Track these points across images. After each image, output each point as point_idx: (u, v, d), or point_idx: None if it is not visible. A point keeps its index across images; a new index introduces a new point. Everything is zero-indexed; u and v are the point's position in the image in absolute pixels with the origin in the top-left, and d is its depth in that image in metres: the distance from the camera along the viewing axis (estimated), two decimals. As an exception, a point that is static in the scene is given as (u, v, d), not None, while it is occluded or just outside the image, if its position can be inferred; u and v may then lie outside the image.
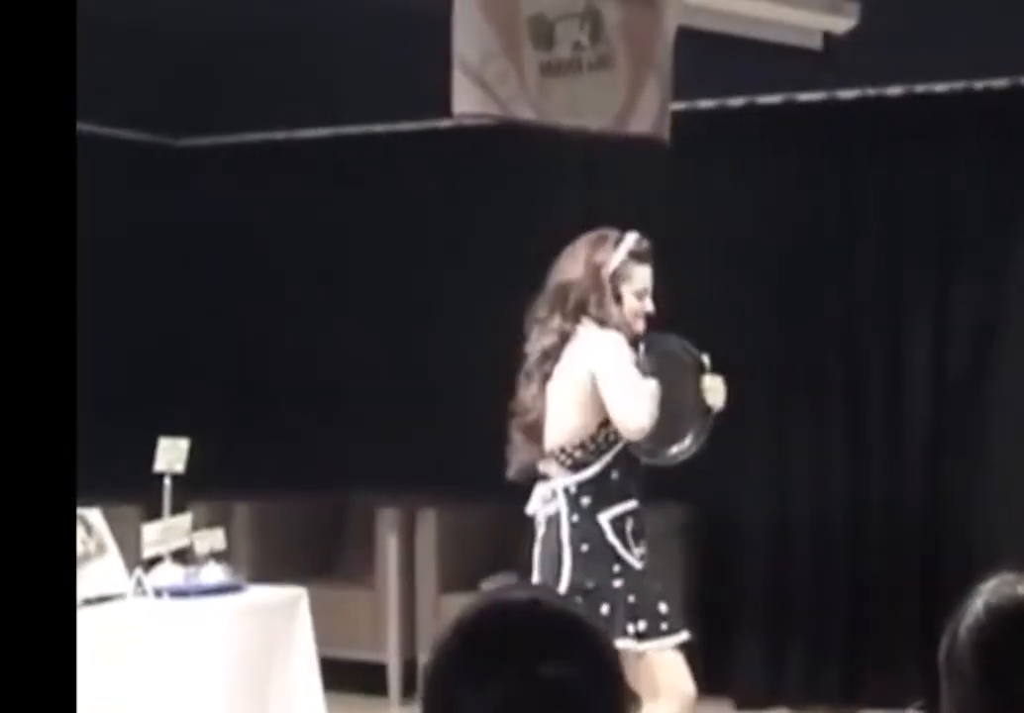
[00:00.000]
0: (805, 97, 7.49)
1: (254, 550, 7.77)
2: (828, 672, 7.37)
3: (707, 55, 6.28)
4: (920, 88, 7.30)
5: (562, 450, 4.88)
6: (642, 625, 4.73)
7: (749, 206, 7.55)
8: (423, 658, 7.46)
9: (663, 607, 4.79)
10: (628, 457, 4.88)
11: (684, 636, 4.82)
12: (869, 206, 7.42)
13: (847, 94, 7.43)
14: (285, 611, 6.03)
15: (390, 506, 7.68)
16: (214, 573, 5.89)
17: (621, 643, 4.61)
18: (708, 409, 5.01)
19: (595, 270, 4.91)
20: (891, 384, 7.36)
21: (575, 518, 4.83)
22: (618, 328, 4.91)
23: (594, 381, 4.83)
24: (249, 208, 8.57)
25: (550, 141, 6.84)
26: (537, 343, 4.96)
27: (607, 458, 4.85)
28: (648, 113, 5.80)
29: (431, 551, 7.58)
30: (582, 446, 4.85)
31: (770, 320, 7.59)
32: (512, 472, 4.99)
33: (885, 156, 7.38)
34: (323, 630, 6.16)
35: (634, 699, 4.67)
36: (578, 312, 4.91)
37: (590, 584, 4.76)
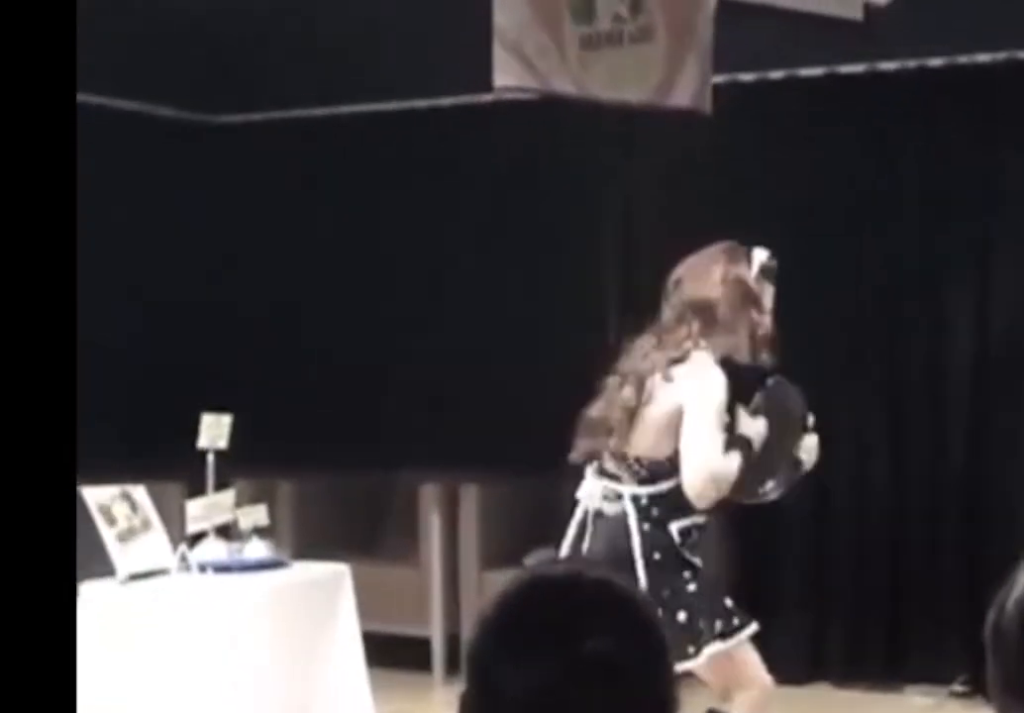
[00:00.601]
0: (846, 69, 7.44)
1: (297, 527, 7.79)
2: (870, 648, 7.35)
3: (747, 27, 6.24)
4: (962, 59, 7.24)
5: (638, 460, 4.78)
6: (719, 625, 4.70)
7: (790, 179, 7.51)
8: (466, 633, 7.48)
9: (729, 602, 4.76)
10: None
11: (755, 627, 4.79)
12: (911, 178, 7.37)
13: (888, 66, 7.38)
14: (328, 587, 6.05)
15: (433, 482, 7.69)
16: (258, 549, 5.91)
17: (710, 649, 4.59)
18: (799, 464, 4.94)
19: (736, 285, 4.76)
20: (932, 363, 7.31)
21: (646, 527, 4.75)
22: (744, 347, 4.79)
23: (682, 413, 4.70)
24: (287, 184, 8.57)
25: (589, 114, 6.83)
26: (653, 350, 4.77)
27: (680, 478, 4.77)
28: (688, 86, 5.77)
29: (473, 527, 7.59)
30: (659, 463, 4.77)
31: (809, 297, 7.54)
32: (577, 457, 4.91)
33: (927, 127, 7.33)
34: (366, 606, 6.18)
35: (725, 696, 4.69)
36: (708, 330, 4.74)
37: (666, 593, 4.69)
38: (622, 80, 5.64)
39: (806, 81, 7.52)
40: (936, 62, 7.29)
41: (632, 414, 4.77)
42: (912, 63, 7.32)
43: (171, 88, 8.24)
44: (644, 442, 4.78)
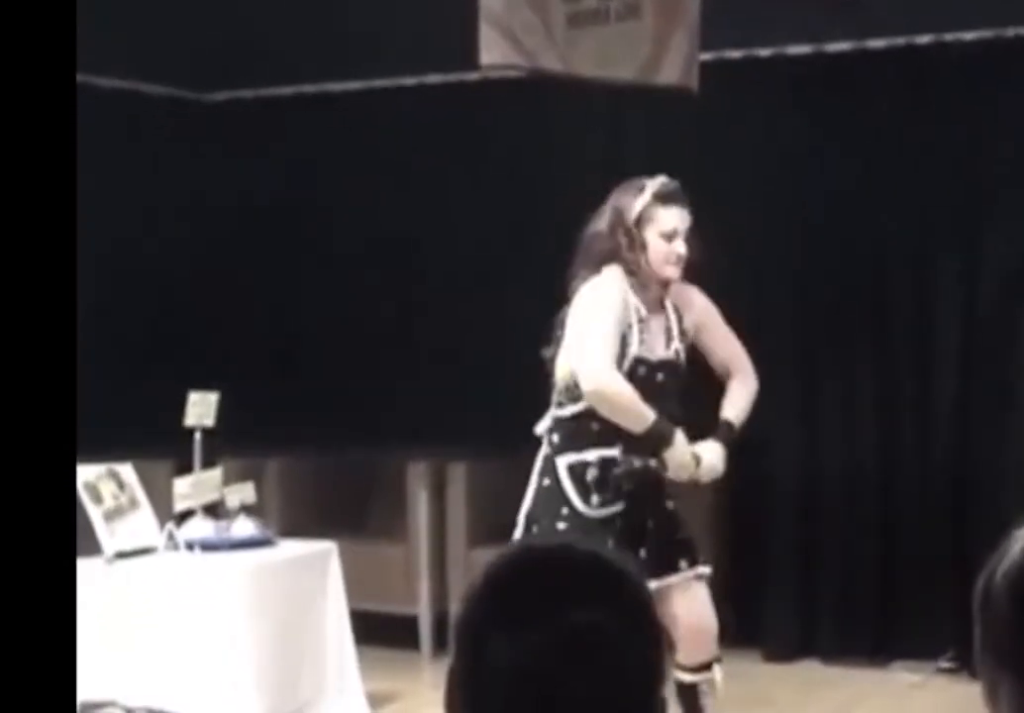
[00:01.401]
0: (833, 47, 7.43)
1: (284, 505, 7.79)
2: (858, 625, 7.37)
3: (735, 4, 6.25)
4: (949, 36, 7.23)
5: (556, 393, 4.88)
6: None
7: (777, 157, 7.51)
8: (454, 611, 7.49)
9: None
10: None
11: None
12: (898, 156, 7.37)
13: (876, 43, 7.37)
14: (316, 565, 6.06)
15: (420, 460, 7.69)
16: (245, 527, 5.92)
17: None
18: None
19: (618, 216, 4.83)
20: (921, 337, 7.32)
21: (546, 451, 4.90)
22: (645, 275, 4.84)
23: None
24: (277, 162, 8.55)
25: (575, 92, 6.82)
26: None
27: (584, 404, 4.80)
28: (675, 63, 5.78)
29: (461, 505, 7.60)
30: (566, 389, 4.84)
31: (798, 272, 7.56)
32: (539, 425, 5.00)
33: (914, 105, 7.32)
34: (354, 584, 6.19)
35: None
36: (602, 262, 4.84)
37: (535, 526, 4.83)
38: (609, 58, 5.65)
39: (793, 58, 7.51)
40: (924, 39, 7.29)
41: (558, 342, 4.88)
42: (900, 40, 7.32)
43: (160, 65, 8.22)
44: (561, 365, 4.87)
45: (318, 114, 8.47)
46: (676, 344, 4.93)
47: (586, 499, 4.81)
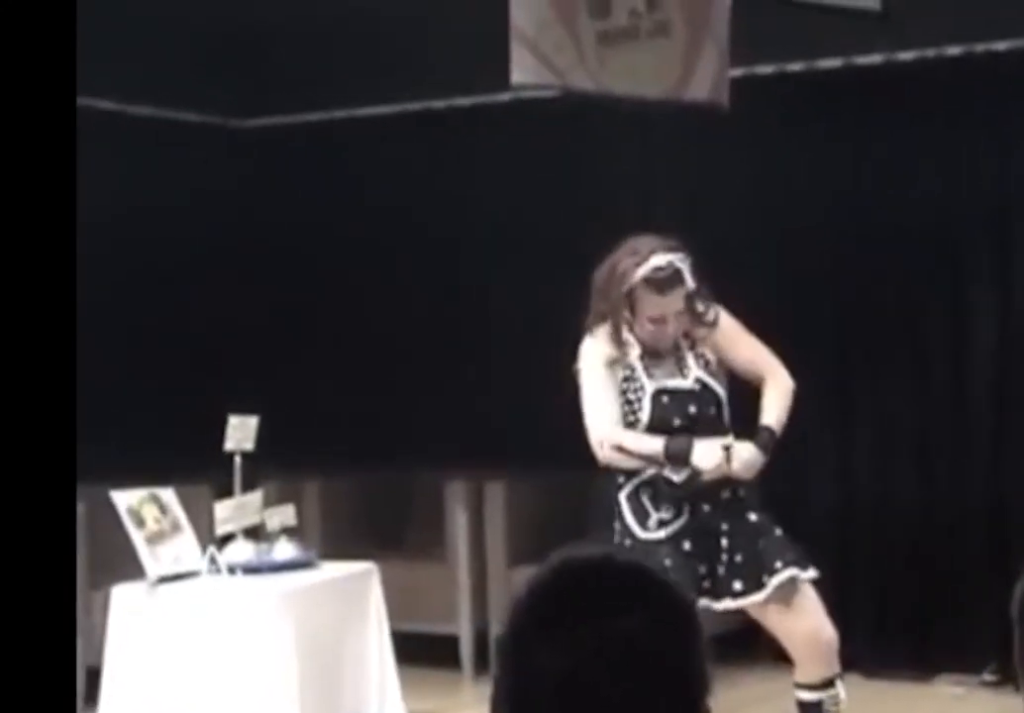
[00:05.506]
0: (864, 60, 7.42)
1: (324, 527, 7.81)
2: (900, 638, 7.34)
3: (764, 19, 6.24)
4: (980, 48, 7.22)
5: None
6: None
7: (808, 170, 7.50)
8: (495, 630, 7.49)
9: None
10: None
11: None
12: (929, 168, 7.36)
13: (906, 56, 7.37)
14: (357, 586, 6.07)
15: (458, 479, 7.70)
16: (286, 549, 5.93)
17: None
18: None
19: (615, 281, 4.77)
20: (956, 356, 7.30)
21: (605, 476, 4.92)
22: (638, 340, 4.84)
23: None
24: (311, 187, 8.59)
25: (606, 109, 6.83)
26: None
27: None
28: (706, 80, 5.79)
29: (500, 524, 7.60)
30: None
31: (829, 290, 7.54)
32: None
33: (945, 117, 7.31)
34: (395, 604, 6.20)
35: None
36: (596, 320, 4.86)
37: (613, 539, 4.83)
38: (640, 75, 5.66)
39: (824, 72, 7.51)
40: (954, 51, 7.28)
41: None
42: (930, 52, 7.31)
43: (192, 93, 8.27)
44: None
45: (346, 139, 8.50)
46: (695, 373, 4.88)
47: (644, 524, 4.77)
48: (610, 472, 4.86)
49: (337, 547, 7.23)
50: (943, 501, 7.31)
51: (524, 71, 5.28)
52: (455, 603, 7.62)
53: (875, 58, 7.41)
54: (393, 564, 6.79)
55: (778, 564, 4.75)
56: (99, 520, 6.38)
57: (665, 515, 4.75)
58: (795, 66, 7.54)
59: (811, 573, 4.82)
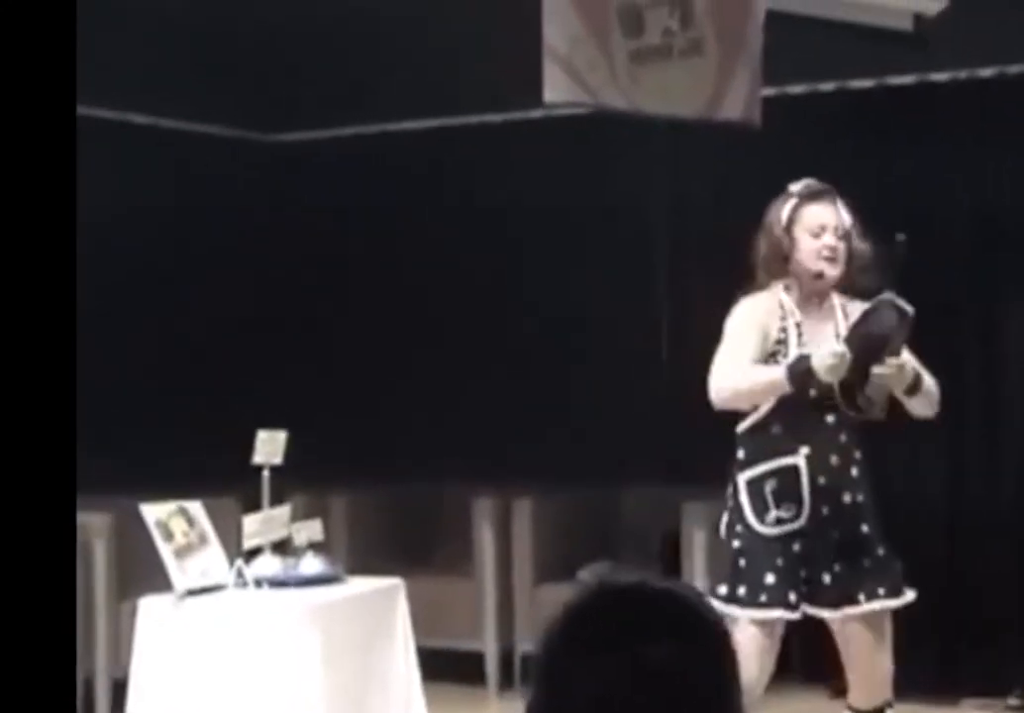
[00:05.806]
0: (896, 80, 7.42)
1: (351, 541, 7.81)
2: (926, 661, 7.30)
3: (797, 39, 6.25)
4: (1014, 69, 7.21)
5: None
6: (742, 590, 4.67)
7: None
8: (521, 647, 7.49)
9: (769, 578, 4.67)
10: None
11: (774, 614, 4.68)
12: (960, 188, 7.35)
13: (939, 76, 7.36)
14: (383, 601, 6.07)
15: (485, 496, 7.70)
16: (313, 564, 5.93)
17: (714, 603, 4.45)
18: (879, 384, 4.73)
19: (768, 230, 4.84)
20: (988, 364, 7.28)
21: (733, 471, 4.81)
22: (799, 276, 4.80)
23: None
24: (343, 201, 8.62)
25: (636, 128, 6.84)
26: None
27: (755, 416, 4.76)
28: (738, 99, 5.79)
29: (527, 540, 7.60)
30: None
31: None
32: None
33: (978, 138, 7.30)
34: (421, 620, 6.19)
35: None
36: (749, 285, 4.84)
37: (725, 540, 4.78)
38: (672, 94, 5.66)
39: (856, 92, 7.50)
40: (987, 72, 7.27)
41: None
42: (963, 73, 7.30)
43: (223, 107, 8.30)
44: None
45: (381, 154, 8.52)
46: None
47: (762, 516, 4.71)
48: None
49: (364, 562, 7.23)
50: (968, 524, 7.28)
51: (556, 89, 5.29)
52: (481, 619, 7.61)
53: (907, 78, 7.40)
54: (419, 580, 6.78)
55: (881, 591, 4.83)
56: (127, 532, 6.39)
57: (784, 514, 4.71)
58: (827, 86, 7.54)
59: (907, 598, 4.92)
